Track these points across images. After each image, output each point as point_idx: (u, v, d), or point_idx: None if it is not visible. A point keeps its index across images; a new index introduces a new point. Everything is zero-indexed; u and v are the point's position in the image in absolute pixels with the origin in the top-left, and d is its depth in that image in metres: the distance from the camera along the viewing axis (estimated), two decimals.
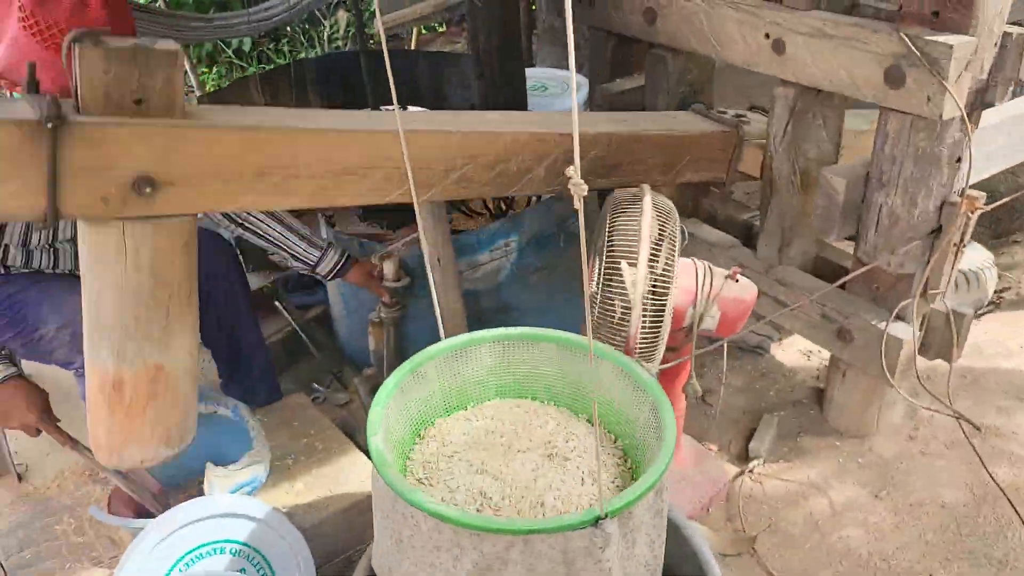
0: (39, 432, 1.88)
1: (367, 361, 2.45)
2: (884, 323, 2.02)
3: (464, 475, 1.43)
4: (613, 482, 1.44)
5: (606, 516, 1.21)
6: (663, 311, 1.74)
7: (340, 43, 5.63)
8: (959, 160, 1.88)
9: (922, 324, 2.11)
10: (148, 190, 1.37)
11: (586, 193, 0.96)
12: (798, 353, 2.64)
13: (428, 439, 1.54)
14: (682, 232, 1.83)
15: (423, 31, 5.83)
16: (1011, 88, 1.84)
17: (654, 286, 1.74)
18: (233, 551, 1.74)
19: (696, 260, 1.88)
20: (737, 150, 2.33)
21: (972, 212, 1.92)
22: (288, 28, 5.66)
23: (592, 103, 2.88)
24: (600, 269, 1.78)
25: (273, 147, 1.51)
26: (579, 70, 3.22)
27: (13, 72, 1.63)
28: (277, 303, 2.71)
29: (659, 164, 2.19)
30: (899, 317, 2.03)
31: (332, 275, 2.23)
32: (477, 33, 2.65)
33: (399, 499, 1.27)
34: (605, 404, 1.55)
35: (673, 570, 1.62)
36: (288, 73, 3.09)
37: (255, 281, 2.88)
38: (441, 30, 6.22)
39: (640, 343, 1.76)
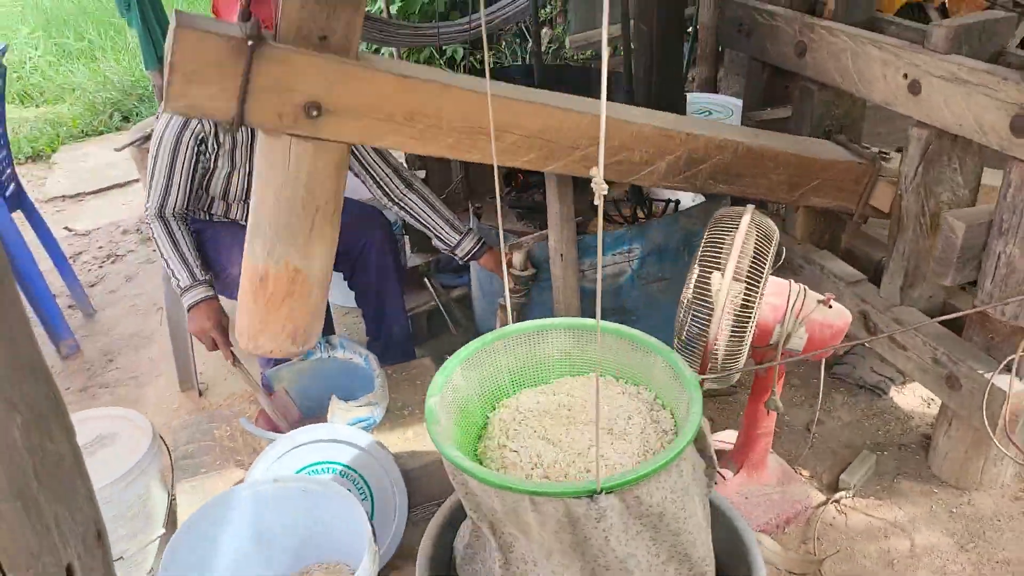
0: (215, 346, 2.29)
1: None
2: (991, 374, 1.99)
3: (527, 439, 1.63)
4: None
5: (601, 491, 1.36)
6: (747, 321, 1.85)
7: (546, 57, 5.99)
8: None
9: None
10: (315, 113, 1.67)
11: (606, 192, 1.12)
12: (919, 399, 2.58)
13: (504, 407, 1.75)
14: (779, 253, 1.93)
15: (616, 52, 6.05)
16: None
17: (742, 298, 1.85)
18: (342, 472, 2.05)
19: (793, 282, 1.96)
20: (871, 184, 2.36)
21: None
22: (498, 40, 6.09)
23: None
24: (693, 277, 1.92)
25: (422, 96, 1.77)
26: (736, 96, 3.32)
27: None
28: (427, 280, 3.04)
29: (785, 181, 2.27)
30: (1009, 370, 1.99)
31: (468, 257, 2.50)
32: (636, 56, 2.84)
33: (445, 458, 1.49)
34: (660, 387, 1.70)
35: (727, 570, 1.73)
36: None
37: (414, 260, 3.24)
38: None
39: (722, 350, 1.87)
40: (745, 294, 1.85)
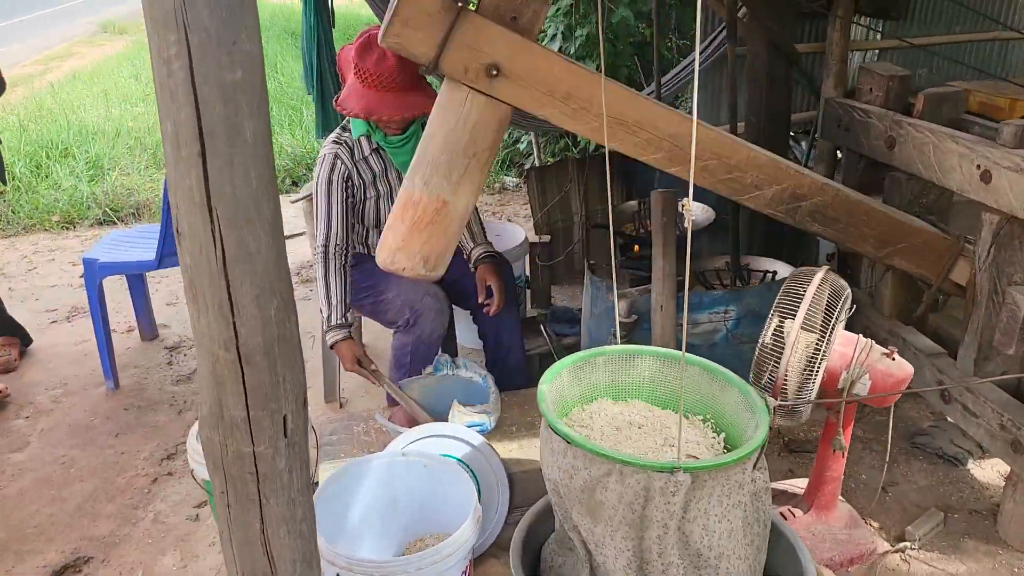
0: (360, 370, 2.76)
1: None
2: None
3: (600, 438, 1.95)
4: None
5: (680, 469, 1.66)
6: (815, 363, 2.12)
7: None
8: None
9: None
10: (495, 73, 2.06)
11: (695, 218, 1.48)
12: (996, 473, 2.71)
13: (588, 410, 2.08)
14: (850, 306, 2.20)
15: None
16: None
17: (814, 345, 2.13)
18: (457, 464, 2.42)
19: (861, 336, 2.23)
20: (953, 260, 2.59)
21: None
22: None
23: None
24: (772, 324, 2.22)
25: (579, 81, 2.14)
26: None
27: (347, 101, 2.58)
28: (542, 327, 3.44)
29: (875, 236, 2.55)
30: None
31: (474, 262, 2.88)
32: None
33: (549, 427, 1.83)
34: (730, 421, 1.98)
35: None
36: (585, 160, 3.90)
37: (533, 311, 3.65)
38: None
39: (792, 387, 2.15)
40: (816, 342, 2.13)
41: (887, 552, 2.40)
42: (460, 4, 2.00)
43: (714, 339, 2.90)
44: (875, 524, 2.51)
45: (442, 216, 2.13)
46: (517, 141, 7.16)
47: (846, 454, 2.30)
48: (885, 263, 2.65)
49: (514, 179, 6.95)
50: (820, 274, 2.20)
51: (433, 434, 2.42)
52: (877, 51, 5.40)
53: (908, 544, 2.41)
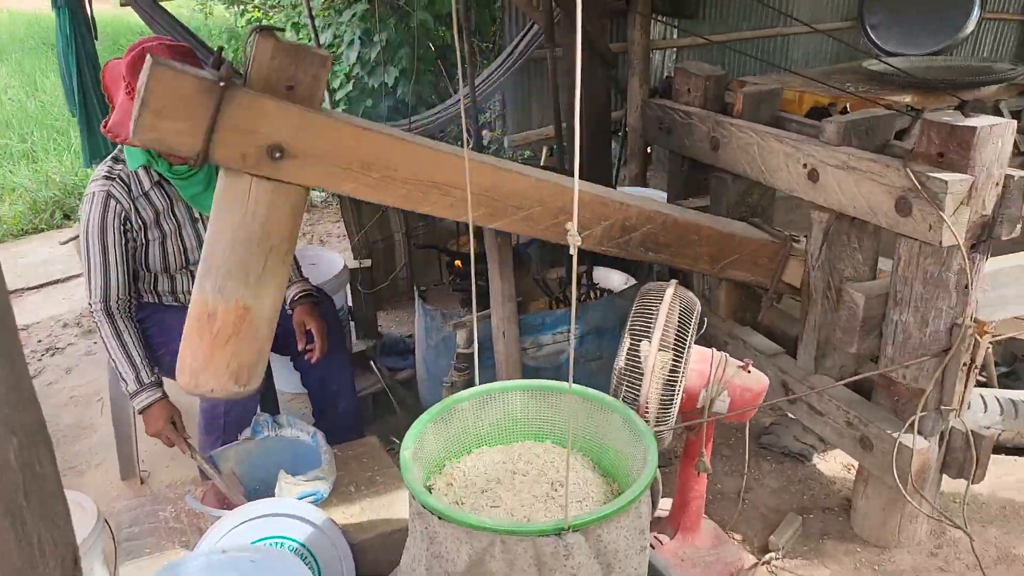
0: (172, 443, 2.34)
1: None
2: (898, 433, 2.16)
3: (483, 493, 1.73)
4: None
5: (569, 529, 1.47)
6: (674, 385, 2.00)
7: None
8: (967, 286, 2.06)
9: (941, 441, 2.23)
10: (278, 155, 1.77)
11: (580, 243, 1.26)
12: (840, 466, 2.75)
13: (464, 463, 1.85)
14: (701, 323, 2.10)
15: (552, 151, 6.41)
16: (1019, 224, 2.03)
17: (670, 364, 2.00)
18: (291, 548, 2.08)
19: (715, 351, 2.13)
20: (784, 261, 2.58)
21: (981, 336, 2.07)
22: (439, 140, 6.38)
23: None
24: (625, 346, 2.07)
25: (378, 147, 1.89)
26: (663, 190, 3.58)
27: (118, 127, 2.20)
28: (372, 363, 3.13)
29: (708, 254, 2.47)
30: (918, 431, 2.17)
31: (290, 304, 2.57)
32: (567, 152, 3.08)
33: (416, 499, 1.58)
34: (612, 451, 1.82)
35: None
36: None
37: (360, 345, 3.33)
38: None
39: (653, 413, 2.01)
40: (672, 361, 2.01)
41: (754, 566, 2.33)
42: (221, 83, 1.68)
43: (559, 360, 2.74)
44: (738, 537, 2.45)
45: (247, 324, 1.85)
46: None
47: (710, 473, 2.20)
48: (720, 277, 2.60)
49: (321, 192, 6.54)
50: (671, 290, 2.08)
51: (260, 515, 2.07)
52: (675, 49, 5.54)
53: (773, 555, 2.36)
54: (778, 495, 2.62)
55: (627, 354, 2.06)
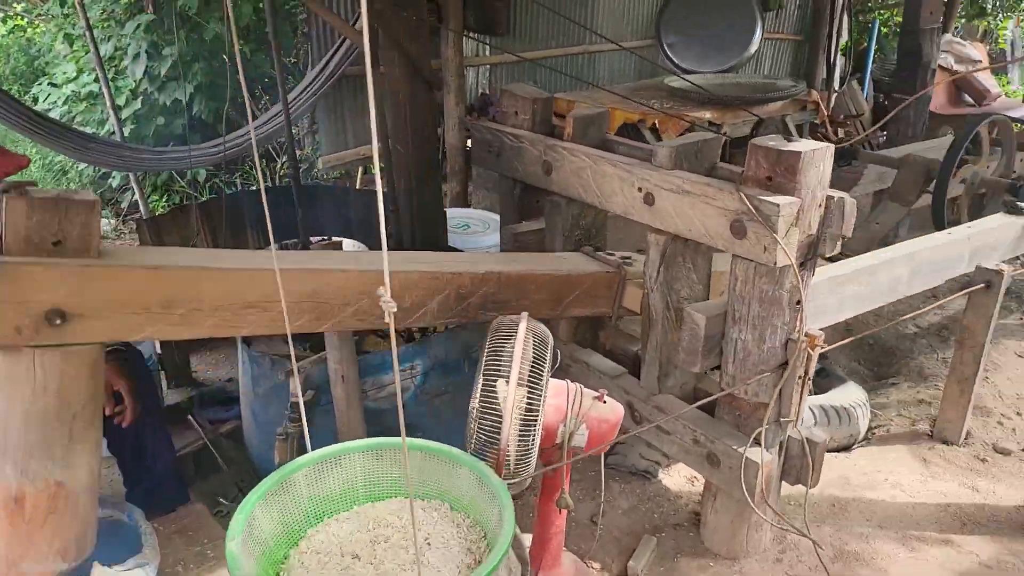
0: None
1: None
2: (743, 448, 2.22)
3: (334, 573, 1.56)
4: None
5: None
6: (533, 425, 1.92)
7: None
8: (799, 302, 2.15)
9: (781, 450, 2.32)
10: (59, 321, 1.54)
11: (395, 310, 1.15)
12: (684, 479, 2.81)
13: (308, 540, 1.67)
14: (555, 356, 2.04)
15: (367, 171, 6.21)
16: (839, 242, 2.14)
17: (526, 402, 1.92)
18: None
19: (569, 383, 2.08)
20: (621, 288, 2.60)
21: (812, 349, 2.17)
22: (245, 162, 5.99)
23: (502, 242, 3.15)
24: (478, 387, 1.96)
25: (177, 284, 1.70)
26: (488, 210, 3.53)
27: None
28: (190, 417, 2.83)
29: (547, 300, 2.43)
30: (759, 443, 2.24)
31: None
32: (396, 175, 2.94)
33: None
34: (470, 503, 1.71)
35: None
36: (223, 205, 3.34)
37: (174, 396, 3.00)
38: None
39: (514, 455, 1.92)
40: (528, 398, 1.93)
41: None
42: None
43: (403, 399, 2.59)
44: (596, 566, 2.42)
45: (63, 499, 1.64)
46: (107, 176, 6.14)
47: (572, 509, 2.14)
48: (564, 317, 2.57)
49: (110, 220, 5.94)
50: (523, 324, 2.00)
51: None
52: (489, 67, 5.55)
53: None
54: (629, 515, 2.63)
55: (482, 395, 1.96)
